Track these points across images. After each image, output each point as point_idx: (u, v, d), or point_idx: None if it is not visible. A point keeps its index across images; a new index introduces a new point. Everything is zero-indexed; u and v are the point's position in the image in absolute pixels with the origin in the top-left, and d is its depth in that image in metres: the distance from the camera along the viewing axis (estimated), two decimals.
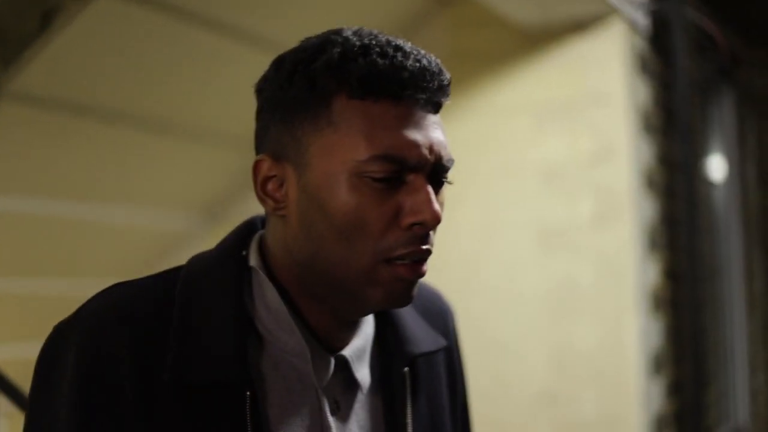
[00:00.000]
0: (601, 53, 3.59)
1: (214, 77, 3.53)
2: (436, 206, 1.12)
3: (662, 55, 3.84)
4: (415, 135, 1.11)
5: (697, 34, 4.13)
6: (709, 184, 4.57)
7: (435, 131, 1.14)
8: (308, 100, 1.13)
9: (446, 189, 1.17)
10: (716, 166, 4.81)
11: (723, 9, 4.38)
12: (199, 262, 1.22)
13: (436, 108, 1.15)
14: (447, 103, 1.17)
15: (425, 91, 1.12)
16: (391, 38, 1.14)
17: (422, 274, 1.15)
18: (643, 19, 3.70)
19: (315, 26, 1.25)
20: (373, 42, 1.13)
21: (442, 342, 1.34)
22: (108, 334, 1.11)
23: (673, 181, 3.83)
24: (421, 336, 1.30)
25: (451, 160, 1.16)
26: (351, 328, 1.23)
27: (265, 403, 1.16)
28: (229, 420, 1.12)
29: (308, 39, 1.17)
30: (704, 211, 4.19)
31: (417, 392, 1.27)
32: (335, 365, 1.20)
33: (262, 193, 1.17)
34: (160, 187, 3.98)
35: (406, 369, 1.26)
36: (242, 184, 4.01)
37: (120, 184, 3.80)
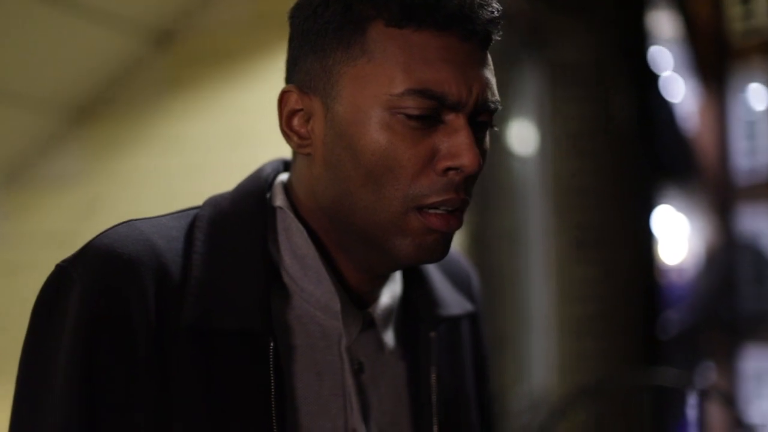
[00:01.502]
0: None
1: (14, 37, 3.41)
2: (476, 150, 1.00)
3: None
4: (457, 70, 1.00)
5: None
6: (512, 153, 4.65)
7: (481, 68, 1.02)
8: (342, 26, 1.02)
9: (490, 135, 1.06)
10: (520, 137, 4.90)
11: None
12: (218, 202, 1.11)
13: (484, 43, 1.04)
14: (496, 39, 1.05)
15: (472, 23, 1.00)
16: None
17: (457, 227, 1.04)
18: None
19: None
20: None
21: (468, 306, 1.25)
22: (117, 272, 0.98)
23: None
24: (449, 299, 1.21)
25: (497, 102, 1.04)
26: (381, 282, 1.12)
27: (288, 357, 1.05)
28: (250, 371, 1.01)
29: None
30: (506, 179, 4.28)
31: (441, 359, 1.17)
32: (361, 324, 1.10)
33: (287, 128, 1.07)
34: None
35: (432, 333, 1.15)
36: (43, 147, 3.89)
37: None
